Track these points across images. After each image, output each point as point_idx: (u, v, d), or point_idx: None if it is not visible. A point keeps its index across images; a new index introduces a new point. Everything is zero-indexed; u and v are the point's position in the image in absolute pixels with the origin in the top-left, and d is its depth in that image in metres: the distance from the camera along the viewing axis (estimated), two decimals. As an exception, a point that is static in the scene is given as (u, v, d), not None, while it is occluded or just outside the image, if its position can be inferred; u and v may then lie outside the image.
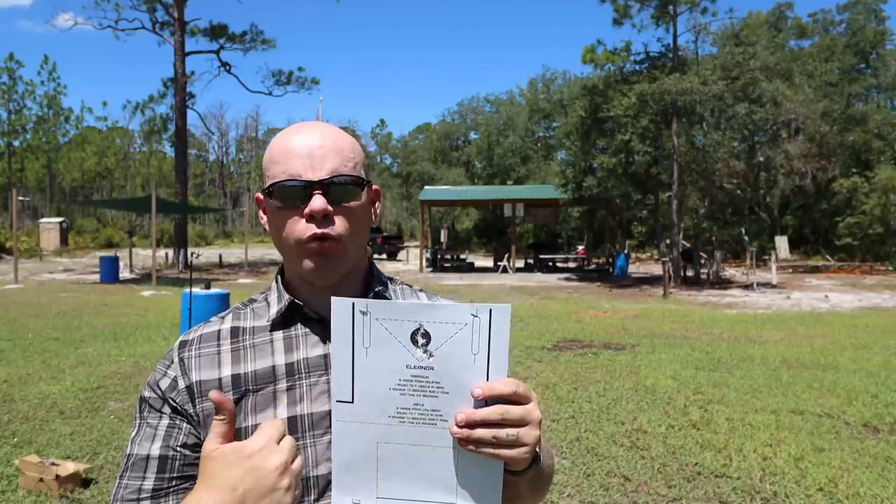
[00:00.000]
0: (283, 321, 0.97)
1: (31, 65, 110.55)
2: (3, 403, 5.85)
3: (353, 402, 0.79)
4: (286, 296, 0.97)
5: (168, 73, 43.40)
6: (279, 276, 1.02)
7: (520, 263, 28.04)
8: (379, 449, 0.79)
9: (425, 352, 0.77)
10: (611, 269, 24.56)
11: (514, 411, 0.76)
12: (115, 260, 20.48)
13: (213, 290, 8.01)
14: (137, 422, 0.94)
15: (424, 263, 26.88)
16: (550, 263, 26.94)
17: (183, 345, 0.97)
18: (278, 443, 0.74)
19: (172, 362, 0.95)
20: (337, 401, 0.79)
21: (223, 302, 7.87)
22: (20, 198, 35.86)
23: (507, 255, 25.33)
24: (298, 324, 0.97)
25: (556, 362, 7.86)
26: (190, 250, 25.86)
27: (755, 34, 25.38)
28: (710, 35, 23.50)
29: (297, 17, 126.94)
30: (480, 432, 0.75)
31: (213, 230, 60.88)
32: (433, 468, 0.79)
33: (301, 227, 0.90)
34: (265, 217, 0.98)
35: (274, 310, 0.98)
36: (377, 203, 1.00)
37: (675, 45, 21.59)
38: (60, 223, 38.31)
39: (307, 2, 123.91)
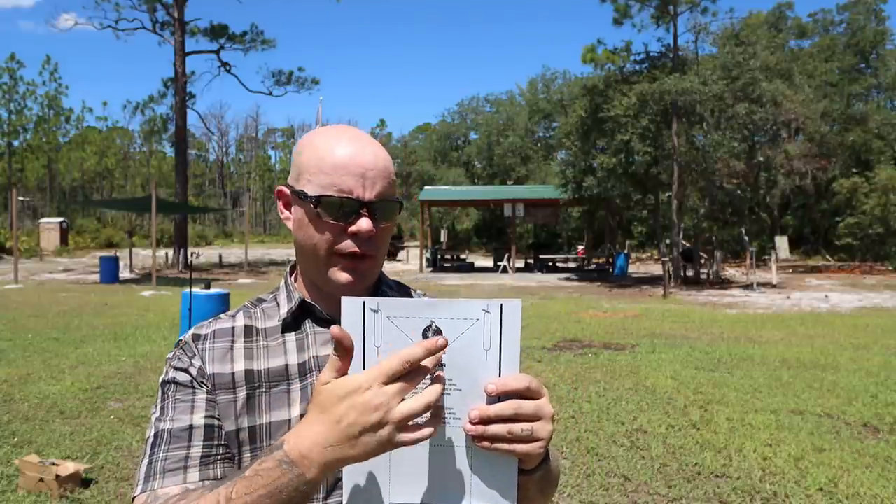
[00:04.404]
0: (293, 321, 0.98)
1: (33, 65, 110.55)
2: (3, 403, 5.85)
3: None
4: (297, 295, 0.99)
5: (168, 73, 43.47)
6: (288, 277, 1.03)
7: (520, 263, 28.04)
8: (392, 451, 0.77)
9: None
10: (611, 269, 24.56)
11: (527, 406, 0.76)
12: (115, 260, 20.47)
13: (213, 290, 8.00)
14: (163, 403, 0.91)
15: (424, 263, 26.87)
16: (550, 263, 26.93)
17: (197, 338, 0.97)
18: (386, 383, 0.71)
19: (195, 354, 0.95)
20: None
21: (223, 302, 7.86)
22: (20, 198, 35.86)
23: (506, 255, 25.32)
24: (308, 322, 0.98)
25: (556, 362, 7.86)
26: (190, 250, 25.87)
27: (755, 34, 25.33)
28: (710, 35, 23.51)
29: (297, 17, 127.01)
30: (495, 428, 0.75)
31: (213, 230, 60.90)
32: (447, 469, 0.78)
33: (344, 242, 0.92)
34: (286, 212, 0.99)
35: (284, 309, 0.99)
36: None
37: (676, 45, 21.60)
38: (60, 223, 38.31)
39: (307, 1, 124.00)
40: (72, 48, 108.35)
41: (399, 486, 0.78)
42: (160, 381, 0.95)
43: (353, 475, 0.78)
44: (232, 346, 0.96)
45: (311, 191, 0.92)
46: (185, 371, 0.93)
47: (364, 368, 0.75)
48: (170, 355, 0.97)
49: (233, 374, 0.93)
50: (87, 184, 60.80)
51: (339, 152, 0.92)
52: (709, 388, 6.61)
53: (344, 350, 0.73)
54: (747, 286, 18.82)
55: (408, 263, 30.54)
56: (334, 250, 0.92)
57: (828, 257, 30.15)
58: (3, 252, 30.70)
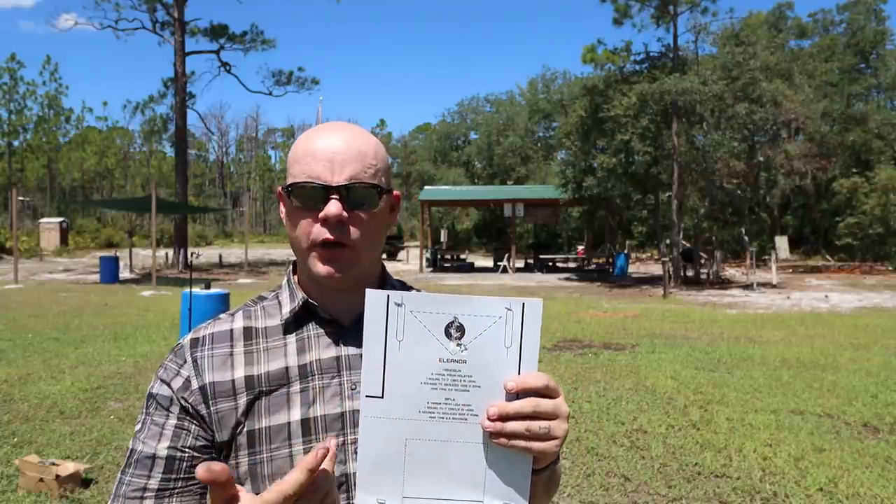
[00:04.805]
0: (295, 321, 0.96)
1: (33, 65, 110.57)
2: (3, 403, 5.85)
3: (382, 397, 0.76)
4: (300, 295, 0.97)
5: (168, 73, 43.46)
6: (290, 275, 1.01)
7: (520, 263, 28.03)
8: (407, 446, 0.77)
9: (458, 345, 0.76)
10: (611, 269, 24.56)
11: (545, 404, 0.77)
12: (115, 260, 20.47)
13: (213, 290, 8.00)
14: (143, 417, 0.92)
15: (424, 263, 26.87)
16: (550, 263, 26.93)
17: (195, 343, 0.95)
18: None
19: (185, 361, 0.93)
20: (366, 396, 0.77)
21: (223, 302, 7.85)
22: (20, 198, 35.86)
23: (506, 255, 25.32)
24: (311, 324, 0.96)
25: (556, 362, 7.86)
26: (190, 250, 25.85)
27: (755, 34, 25.33)
28: (710, 35, 23.51)
29: (297, 17, 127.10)
30: (513, 425, 0.75)
31: (213, 230, 60.91)
32: (462, 465, 0.78)
33: (315, 231, 0.90)
34: (284, 211, 0.98)
35: (287, 309, 0.97)
36: (396, 209, 1.01)
37: (676, 45, 21.60)
38: (60, 223, 38.31)
39: (307, 1, 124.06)
40: (72, 48, 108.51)
41: (413, 481, 0.77)
42: (147, 390, 0.94)
43: (366, 468, 0.77)
44: (231, 352, 0.94)
45: (288, 182, 0.93)
46: (168, 385, 0.92)
47: (385, 362, 0.76)
48: (162, 361, 0.96)
49: (233, 381, 0.92)
50: (87, 184, 60.79)
51: (313, 141, 0.92)
52: (709, 388, 6.61)
53: (220, 487, 0.68)
54: (747, 286, 18.81)
55: (408, 263, 30.54)
56: (311, 240, 0.91)
57: (828, 257, 30.15)
58: (3, 252, 30.70)
